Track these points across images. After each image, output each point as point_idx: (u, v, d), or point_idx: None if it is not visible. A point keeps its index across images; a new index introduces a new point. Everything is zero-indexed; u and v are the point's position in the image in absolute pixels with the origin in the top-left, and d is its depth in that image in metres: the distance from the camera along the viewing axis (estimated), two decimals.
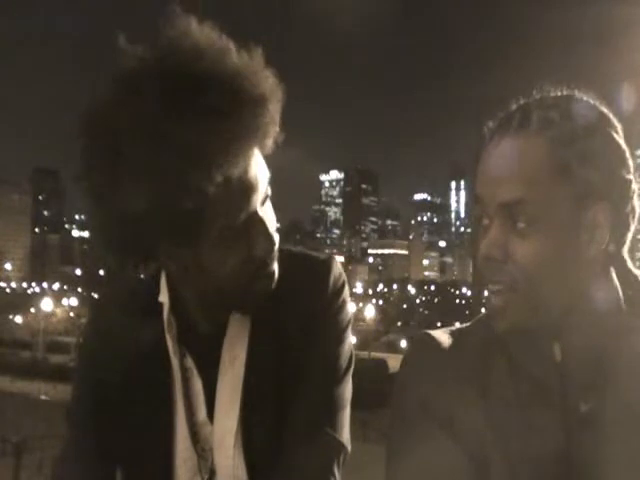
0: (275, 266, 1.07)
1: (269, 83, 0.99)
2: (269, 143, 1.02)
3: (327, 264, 1.16)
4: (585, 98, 0.95)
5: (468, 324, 1.05)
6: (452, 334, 1.03)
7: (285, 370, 1.10)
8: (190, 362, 1.12)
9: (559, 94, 0.95)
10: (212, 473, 1.11)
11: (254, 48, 1.00)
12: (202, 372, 1.12)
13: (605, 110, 0.94)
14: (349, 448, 1.12)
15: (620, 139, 0.93)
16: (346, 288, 1.17)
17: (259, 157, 1.02)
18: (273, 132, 1.01)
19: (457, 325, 1.06)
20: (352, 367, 1.16)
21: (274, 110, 0.99)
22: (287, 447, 1.08)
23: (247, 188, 0.99)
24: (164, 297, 1.12)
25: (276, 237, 1.06)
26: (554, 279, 0.90)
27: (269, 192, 1.06)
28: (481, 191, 0.93)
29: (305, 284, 1.13)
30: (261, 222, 1.03)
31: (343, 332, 1.15)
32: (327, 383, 1.12)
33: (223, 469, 1.10)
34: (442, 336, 1.02)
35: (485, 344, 0.98)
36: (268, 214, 1.05)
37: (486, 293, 0.94)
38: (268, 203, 1.07)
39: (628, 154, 0.93)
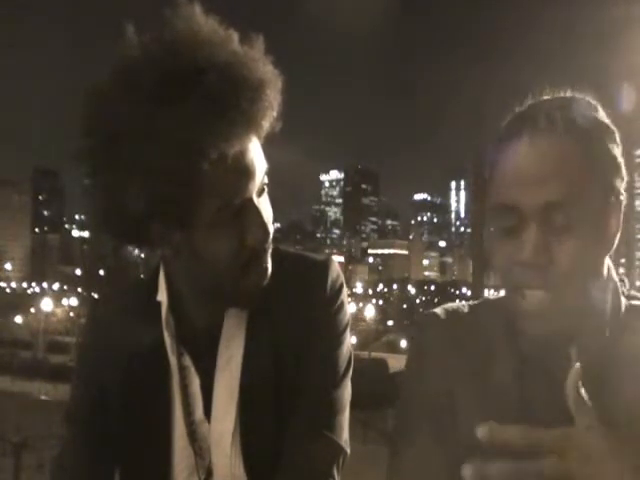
0: (269, 260, 1.08)
1: (268, 70, 1.01)
2: (266, 127, 1.03)
3: (325, 265, 1.16)
4: (589, 100, 0.96)
5: (476, 303, 1.05)
6: (461, 313, 1.03)
7: (283, 371, 1.10)
8: (188, 361, 1.12)
9: (569, 95, 0.95)
10: (209, 472, 1.12)
11: (255, 38, 1.03)
12: (199, 371, 1.12)
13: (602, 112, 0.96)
14: (348, 451, 1.12)
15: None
16: (344, 289, 1.17)
17: (257, 146, 1.03)
18: (270, 117, 1.02)
19: (464, 303, 1.05)
20: (351, 369, 1.16)
21: (272, 96, 1.01)
22: (286, 449, 1.08)
23: (242, 172, 1.00)
24: (162, 296, 1.13)
25: (271, 229, 1.06)
26: (589, 279, 0.90)
27: (266, 182, 1.06)
28: (516, 196, 0.90)
29: (303, 285, 1.13)
30: (256, 210, 1.03)
31: (342, 334, 1.15)
32: (326, 385, 1.12)
33: (221, 468, 1.10)
34: (450, 316, 1.02)
35: (493, 332, 0.98)
36: (264, 205, 1.06)
37: (521, 300, 0.92)
38: (265, 196, 1.07)
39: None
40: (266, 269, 1.07)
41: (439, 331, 1.01)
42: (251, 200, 1.02)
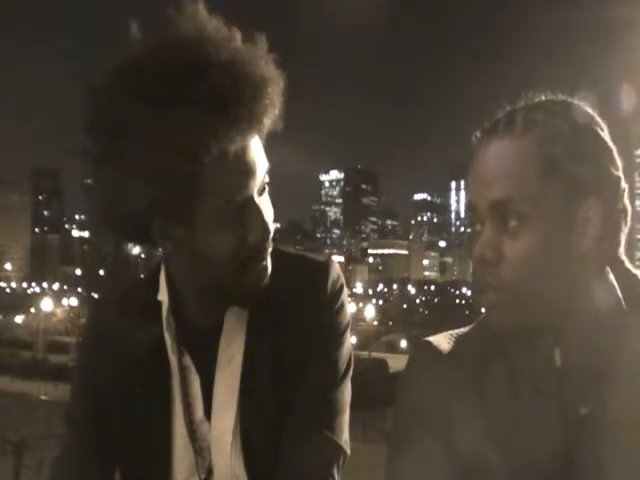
0: (269, 259, 1.08)
1: (270, 68, 1.02)
2: (268, 125, 1.03)
3: (325, 266, 1.16)
4: (569, 100, 0.96)
5: (468, 328, 1.06)
6: (452, 339, 1.03)
7: (283, 372, 1.10)
8: (188, 360, 1.13)
9: (543, 98, 0.96)
10: (210, 472, 1.12)
11: (258, 36, 1.04)
12: (200, 371, 1.12)
13: (590, 110, 0.95)
14: (348, 451, 1.13)
15: (607, 137, 0.94)
16: (344, 290, 1.17)
17: (259, 144, 1.04)
18: (272, 115, 1.02)
19: (457, 330, 1.06)
20: (351, 370, 1.16)
21: (274, 94, 1.01)
22: (286, 450, 1.09)
23: (244, 170, 1.01)
24: (163, 295, 1.13)
25: (271, 227, 1.06)
26: (547, 276, 0.90)
27: (267, 181, 1.07)
28: (472, 196, 0.94)
29: (303, 286, 1.13)
30: (257, 209, 1.03)
31: (342, 335, 1.15)
32: (326, 386, 1.12)
33: (221, 468, 1.11)
34: (441, 342, 1.03)
35: (484, 349, 0.99)
36: (265, 204, 1.06)
37: (482, 297, 0.94)
38: (266, 195, 1.08)
39: (615, 152, 0.94)
40: (266, 267, 1.07)
41: (434, 353, 1.01)
42: (252, 198, 1.02)
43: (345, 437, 1.13)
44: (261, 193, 1.05)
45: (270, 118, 1.02)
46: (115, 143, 0.96)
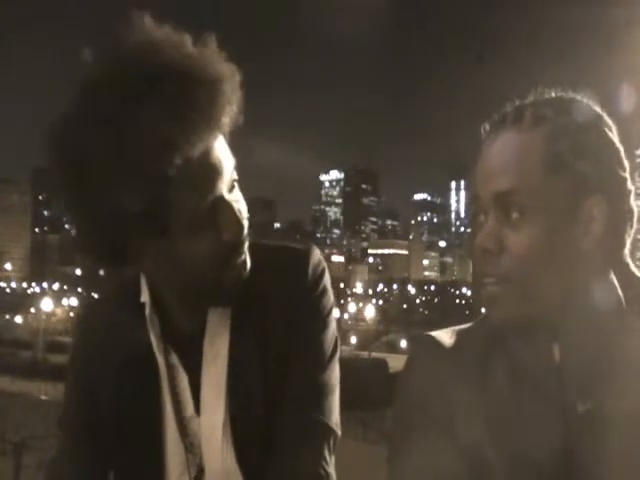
0: (246, 254, 1.08)
1: (223, 67, 1.02)
2: (227, 123, 1.03)
3: (305, 253, 1.17)
4: (579, 97, 0.97)
5: (469, 324, 1.06)
6: (453, 334, 1.04)
7: (270, 362, 1.11)
8: (175, 359, 1.14)
9: (553, 95, 0.98)
10: (201, 470, 1.13)
11: (208, 37, 1.04)
12: (187, 369, 1.13)
13: (599, 109, 0.96)
14: (339, 432, 1.13)
15: (614, 137, 0.95)
16: (326, 275, 1.18)
17: (222, 143, 1.04)
18: (230, 112, 1.02)
19: (458, 326, 1.06)
20: (337, 352, 1.17)
21: (230, 92, 1.01)
22: (276, 435, 1.09)
23: (210, 172, 1.01)
24: (145, 297, 1.14)
25: (245, 223, 1.07)
26: (548, 270, 0.91)
27: (236, 178, 1.07)
28: (477, 187, 0.95)
29: (284, 273, 1.14)
30: (229, 207, 1.04)
31: (326, 318, 1.16)
32: (313, 369, 1.12)
33: (212, 464, 1.12)
34: (443, 337, 1.03)
35: (485, 344, 0.99)
36: (236, 200, 1.06)
37: (482, 288, 0.95)
38: (237, 190, 1.08)
39: (622, 153, 0.95)
40: (244, 262, 1.08)
41: (436, 347, 1.02)
42: (222, 198, 1.02)
43: (335, 419, 1.13)
44: (231, 190, 1.05)
45: (229, 116, 1.02)
46: (80, 175, 0.96)
